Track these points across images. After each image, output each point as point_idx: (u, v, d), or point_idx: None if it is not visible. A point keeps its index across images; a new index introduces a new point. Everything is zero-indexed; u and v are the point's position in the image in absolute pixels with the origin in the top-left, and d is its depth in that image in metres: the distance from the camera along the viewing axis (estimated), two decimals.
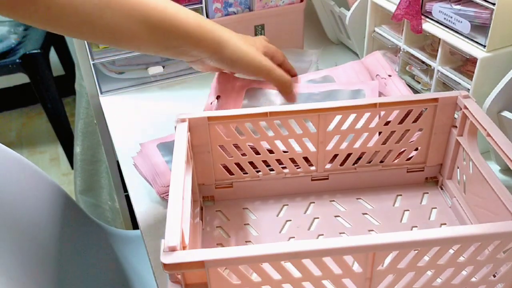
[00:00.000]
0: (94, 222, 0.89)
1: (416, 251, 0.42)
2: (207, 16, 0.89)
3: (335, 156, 0.62)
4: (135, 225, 1.23)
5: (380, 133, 0.61)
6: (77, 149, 1.27)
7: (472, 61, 0.64)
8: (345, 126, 0.60)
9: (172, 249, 0.39)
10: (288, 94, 0.69)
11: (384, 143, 0.62)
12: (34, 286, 0.65)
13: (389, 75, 0.71)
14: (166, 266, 0.39)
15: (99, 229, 0.90)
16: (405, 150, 0.63)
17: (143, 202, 0.65)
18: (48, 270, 0.70)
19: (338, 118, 0.59)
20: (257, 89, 0.71)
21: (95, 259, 0.85)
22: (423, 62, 0.72)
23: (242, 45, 0.65)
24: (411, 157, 0.64)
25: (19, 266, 0.63)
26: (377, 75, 0.72)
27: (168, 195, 0.64)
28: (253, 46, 0.67)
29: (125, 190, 1.11)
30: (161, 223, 0.62)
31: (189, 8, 0.89)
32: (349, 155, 0.62)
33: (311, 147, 0.61)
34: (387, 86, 0.69)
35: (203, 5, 0.88)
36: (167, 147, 0.71)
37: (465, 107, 0.57)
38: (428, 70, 0.72)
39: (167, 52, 0.63)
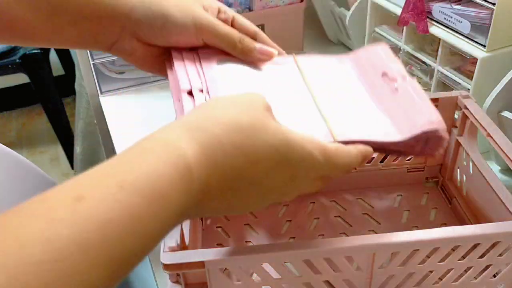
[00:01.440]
0: None
1: (416, 251, 0.42)
2: None
3: None
4: None
5: None
6: (77, 149, 1.27)
7: (472, 61, 0.64)
8: None
9: (172, 249, 0.39)
10: (244, 53, 0.48)
11: None
12: None
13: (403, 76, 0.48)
14: (166, 266, 0.39)
15: None
16: None
17: None
18: None
19: None
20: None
21: None
22: (423, 62, 0.72)
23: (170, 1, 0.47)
24: (411, 157, 0.64)
25: None
26: (383, 73, 0.48)
27: None
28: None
29: None
30: None
31: None
32: None
33: None
34: (398, 91, 0.46)
35: None
36: None
37: (465, 107, 0.57)
38: (428, 70, 0.72)
39: (65, 34, 0.46)
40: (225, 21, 0.49)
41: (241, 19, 0.50)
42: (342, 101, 0.47)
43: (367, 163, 0.63)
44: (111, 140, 0.80)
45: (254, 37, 0.50)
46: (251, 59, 0.48)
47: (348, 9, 0.86)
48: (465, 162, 0.59)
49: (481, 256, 0.43)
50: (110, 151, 1.06)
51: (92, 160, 1.27)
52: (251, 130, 0.32)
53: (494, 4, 0.58)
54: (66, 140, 1.85)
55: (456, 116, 0.60)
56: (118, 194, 0.24)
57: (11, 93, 2.26)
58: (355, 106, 0.47)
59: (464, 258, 0.43)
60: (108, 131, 0.82)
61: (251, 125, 0.32)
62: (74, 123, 1.32)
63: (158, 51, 0.49)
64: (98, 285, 0.23)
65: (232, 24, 0.49)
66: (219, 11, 0.49)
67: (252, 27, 0.50)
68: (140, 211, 0.25)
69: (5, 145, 0.68)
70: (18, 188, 0.68)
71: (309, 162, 0.35)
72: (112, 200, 0.24)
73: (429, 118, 0.42)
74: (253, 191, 0.33)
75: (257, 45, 0.48)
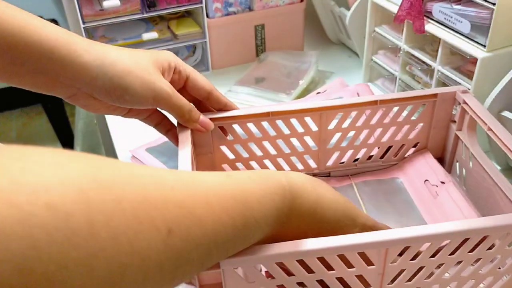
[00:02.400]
0: None
1: (427, 245, 0.42)
2: (207, 16, 0.89)
3: (336, 153, 0.63)
4: None
5: (380, 129, 0.61)
6: (77, 149, 1.27)
7: (472, 61, 0.64)
8: (346, 124, 0.60)
9: None
10: (189, 123, 0.54)
11: (384, 139, 0.62)
12: None
13: (442, 182, 0.60)
14: None
15: None
16: (404, 145, 0.63)
17: None
18: None
19: (339, 116, 0.59)
20: None
21: None
22: (423, 62, 0.72)
23: (132, 65, 0.49)
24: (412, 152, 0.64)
25: None
26: (425, 180, 0.61)
27: None
28: (148, 66, 0.50)
29: None
30: None
31: (189, 8, 0.90)
32: (349, 151, 0.63)
33: (313, 145, 0.61)
34: (439, 196, 0.59)
35: (203, 5, 0.88)
36: (155, 151, 0.71)
37: (464, 102, 0.57)
38: (428, 70, 0.72)
39: (22, 81, 0.48)
40: (178, 81, 0.54)
41: (195, 80, 0.54)
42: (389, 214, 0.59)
43: (367, 159, 0.64)
44: (111, 140, 0.80)
45: (207, 96, 0.55)
46: (193, 128, 0.54)
47: (348, 9, 0.86)
48: (463, 156, 0.59)
49: (490, 248, 0.43)
50: (110, 151, 1.06)
51: None
52: (326, 185, 0.43)
53: (494, 4, 0.59)
54: (66, 140, 1.86)
55: (454, 111, 0.60)
56: (248, 179, 0.36)
57: (11, 93, 2.26)
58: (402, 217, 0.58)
59: (473, 250, 0.43)
60: (108, 131, 0.82)
61: (327, 184, 0.43)
62: (74, 123, 1.32)
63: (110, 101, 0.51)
64: (237, 231, 0.34)
65: (185, 84, 0.54)
66: (174, 71, 0.53)
67: (205, 88, 0.55)
68: (259, 193, 0.36)
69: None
70: None
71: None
72: (247, 182, 0.36)
73: (464, 215, 0.54)
74: (321, 231, 0.41)
75: (201, 117, 0.54)
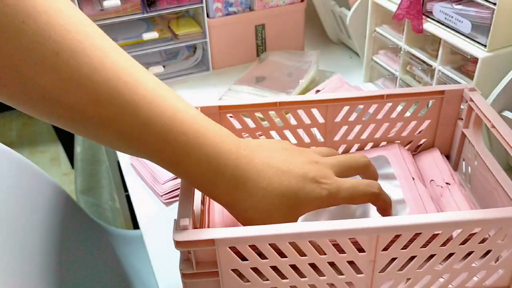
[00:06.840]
0: (95, 222, 0.89)
1: (418, 235, 0.43)
2: (208, 16, 0.89)
3: (343, 146, 0.63)
4: (135, 225, 1.23)
5: (387, 124, 0.61)
6: (78, 148, 1.27)
7: (473, 61, 0.64)
8: (352, 117, 0.60)
9: (184, 228, 0.41)
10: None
11: (390, 134, 0.62)
12: (34, 286, 0.65)
13: (447, 183, 0.59)
14: (178, 243, 0.40)
15: (99, 229, 0.90)
16: (411, 141, 0.63)
17: (143, 202, 0.65)
18: (48, 270, 0.70)
19: (346, 109, 0.60)
20: None
21: (95, 259, 0.85)
22: (424, 62, 0.72)
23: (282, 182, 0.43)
24: (418, 147, 0.64)
25: (19, 266, 0.62)
26: (431, 180, 0.60)
27: (167, 196, 0.64)
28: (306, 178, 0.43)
29: (126, 189, 1.11)
30: (161, 223, 0.62)
31: (190, 8, 0.90)
32: (356, 145, 0.63)
33: (319, 137, 0.62)
34: (442, 197, 0.58)
35: (204, 4, 0.88)
36: None
37: (471, 100, 0.57)
38: (429, 70, 0.72)
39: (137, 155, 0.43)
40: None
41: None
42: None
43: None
44: None
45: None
46: None
47: (349, 9, 0.86)
48: (469, 154, 0.59)
49: (482, 241, 0.44)
50: (111, 150, 1.06)
51: (92, 160, 1.27)
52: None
53: (495, 4, 0.58)
54: (67, 140, 1.86)
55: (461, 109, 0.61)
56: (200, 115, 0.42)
57: None
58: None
59: (465, 243, 0.44)
60: None
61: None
62: None
63: None
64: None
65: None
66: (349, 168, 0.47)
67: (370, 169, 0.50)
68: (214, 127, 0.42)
69: (5, 145, 0.68)
70: (18, 188, 0.68)
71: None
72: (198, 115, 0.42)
73: None
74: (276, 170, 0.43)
75: None
